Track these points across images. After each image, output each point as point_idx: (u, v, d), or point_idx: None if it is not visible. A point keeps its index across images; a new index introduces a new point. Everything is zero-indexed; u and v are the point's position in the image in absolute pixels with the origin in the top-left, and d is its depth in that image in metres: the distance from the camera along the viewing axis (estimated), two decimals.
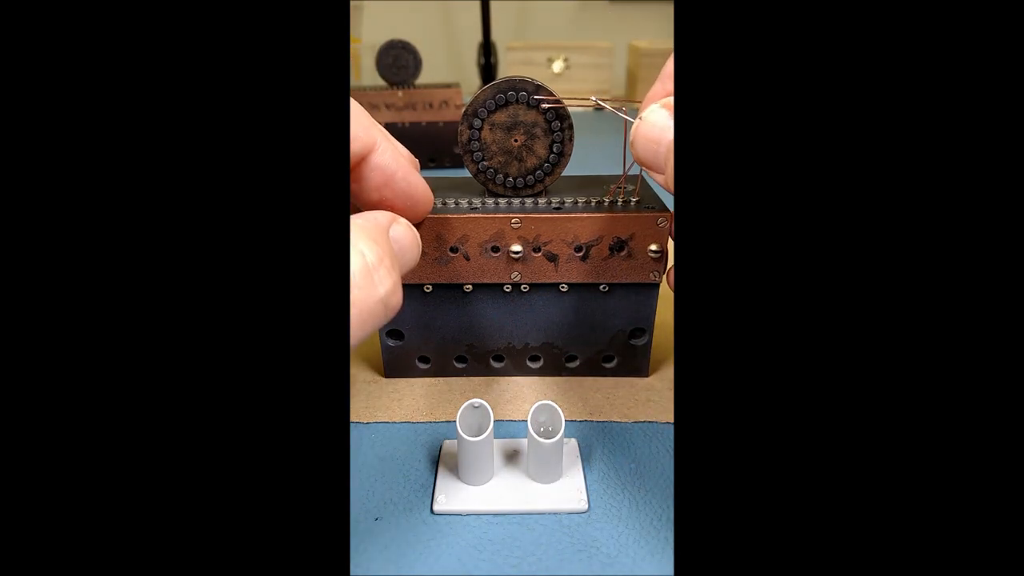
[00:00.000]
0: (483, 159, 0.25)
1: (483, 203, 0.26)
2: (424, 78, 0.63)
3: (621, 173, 0.27)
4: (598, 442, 0.26)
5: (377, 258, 0.16)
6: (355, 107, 0.18)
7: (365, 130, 0.18)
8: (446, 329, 0.28)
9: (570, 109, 0.25)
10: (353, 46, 1.10)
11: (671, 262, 0.28)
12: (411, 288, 0.27)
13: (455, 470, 0.23)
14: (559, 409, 0.22)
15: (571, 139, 0.25)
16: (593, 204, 0.26)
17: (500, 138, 0.25)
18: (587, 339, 0.28)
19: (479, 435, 0.22)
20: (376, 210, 0.20)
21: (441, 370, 0.29)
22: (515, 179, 0.26)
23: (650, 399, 0.28)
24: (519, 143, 0.25)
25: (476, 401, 0.23)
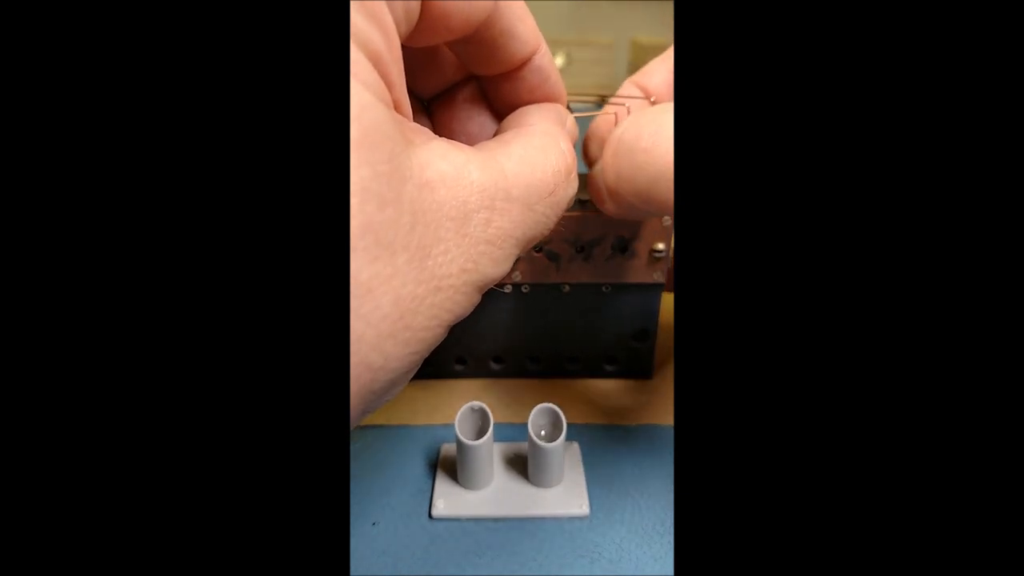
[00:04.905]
0: None
1: None
2: None
3: None
4: (600, 445, 0.25)
5: (573, 159, 0.17)
6: (522, 7, 0.17)
7: (534, 31, 0.18)
8: None
9: (572, 105, 0.24)
10: None
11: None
12: None
13: (454, 474, 0.23)
14: (560, 412, 0.22)
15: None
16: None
17: None
18: (589, 341, 0.28)
19: (478, 438, 0.21)
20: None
21: (440, 372, 0.29)
22: None
23: (653, 401, 0.27)
24: None
25: (475, 403, 0.22)
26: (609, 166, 0.18)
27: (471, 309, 0.15)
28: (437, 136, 0.15)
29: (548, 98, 0.19)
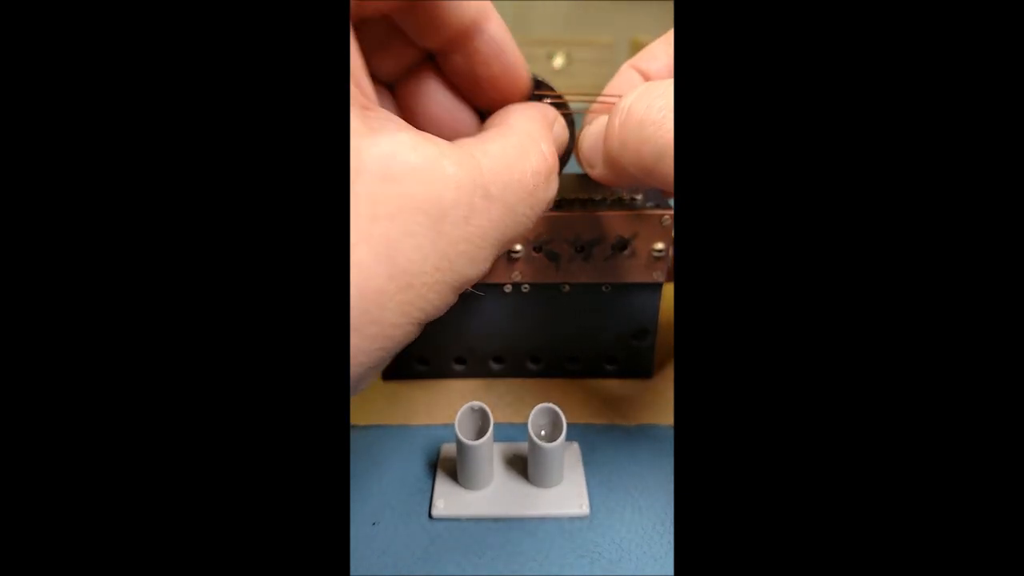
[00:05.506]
0: None
1: None
2: None
3: None
4: (600, 445, 0.25)
5: (553, 161, 0.17)
6: None
7: None
8: (445, 330, 0.28)
9: (572, 105, 0.24)
10: None
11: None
12: None
13: (454, 474, 0.23)
14: (560, 412, 0.22)
15: (572, 135, 0.24)
16: (595, 202, 0.25)
17: None
18: (589, 340, 0.28)
19: (478, 438, 0.21)
20: (527, 104, 0.19)
21: (440, 371, 0.29)
22: None
23: (653, 401, 0.27)
24: None
25: (475, 403, 0.22)
26: (614, 135, 0.18)
27: (445, 309, 0.15)
28: (409, 127, 0.14)
29: (505, 72, 0.19)
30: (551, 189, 0.17)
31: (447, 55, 0.18)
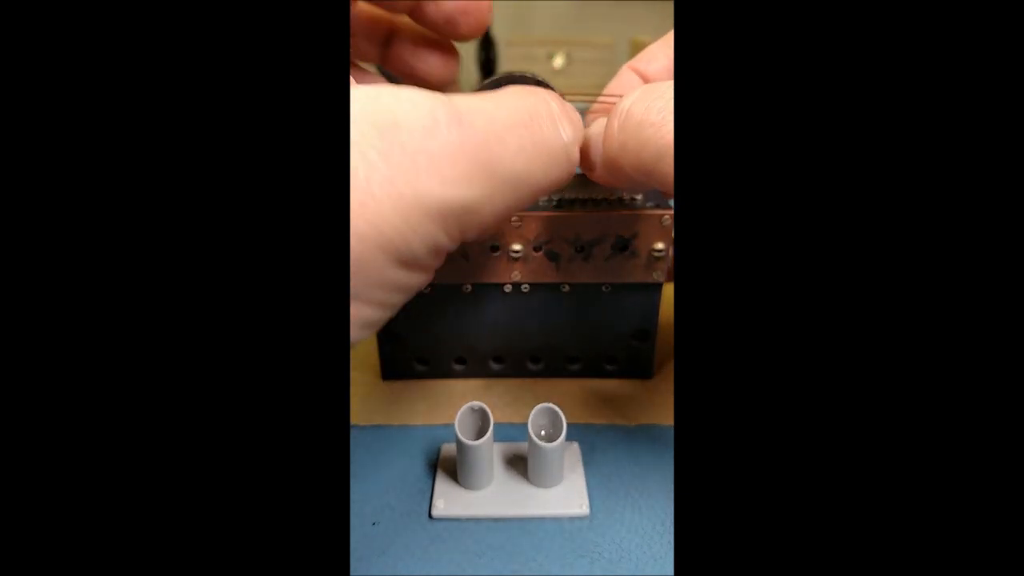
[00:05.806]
0: None
1: None
2: None
3: None
4: (600, 445, 0.25)
5: (560, 108, 0.16)
6: None
7: None
8: (445, 330, 0.28)
9: (572, 105, 0.24)
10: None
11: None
12: None
13: (454, 474, 0.23)
14: (560, 412, 0.22)
15: None
16: (595, 202, 0.25)
17: None
18: (589, 340, 0.28)
19: (478, 438, 0.21)
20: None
21: (440, 372, 0.29)
22: None
23: (654, 401, 0.27)
24: None
25: (475, 404, 0.22)
26: (613, 137, 0.17)
27: (422, 245, 0.13)
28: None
29: (479, 7, 0.19)
30: (566, 132, 0.16)
31: (421, 8, 0.18)
